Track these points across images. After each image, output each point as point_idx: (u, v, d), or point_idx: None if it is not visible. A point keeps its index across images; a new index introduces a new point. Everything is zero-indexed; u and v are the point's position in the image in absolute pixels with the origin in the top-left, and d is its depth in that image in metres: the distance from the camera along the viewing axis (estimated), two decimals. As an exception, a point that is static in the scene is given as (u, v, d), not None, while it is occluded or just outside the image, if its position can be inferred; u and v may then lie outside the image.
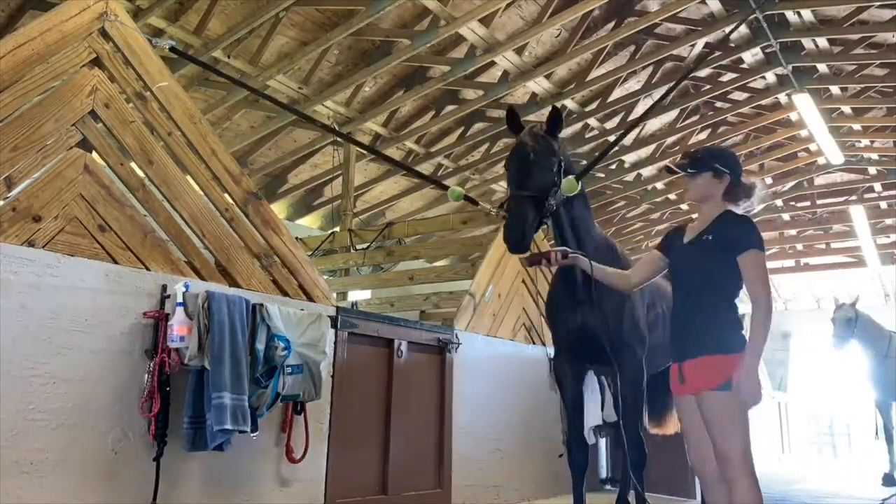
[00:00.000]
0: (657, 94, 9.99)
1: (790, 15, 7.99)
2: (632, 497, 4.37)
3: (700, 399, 2.74)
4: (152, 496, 3.19)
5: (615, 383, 4.23)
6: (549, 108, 9.27)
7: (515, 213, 3.12)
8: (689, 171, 2.95)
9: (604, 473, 6.72)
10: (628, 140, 11.04)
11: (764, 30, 8.17)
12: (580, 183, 3.49)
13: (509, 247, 3.16)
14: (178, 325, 3.22)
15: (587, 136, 10.61)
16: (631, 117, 10.32)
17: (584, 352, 3.84)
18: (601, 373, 4.61)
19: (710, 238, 2.86)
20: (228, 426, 3.22)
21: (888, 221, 13.93)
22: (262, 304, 3.61)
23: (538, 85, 8.72)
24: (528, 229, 3.13)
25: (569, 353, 3.89)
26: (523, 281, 6.18)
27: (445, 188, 3.95)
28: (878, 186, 12.71)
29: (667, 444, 5.56)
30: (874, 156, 11.90)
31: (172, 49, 3.79)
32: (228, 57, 7.45)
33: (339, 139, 9.18)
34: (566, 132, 10.40)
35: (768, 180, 12.93)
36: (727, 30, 8.06)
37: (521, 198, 3.15)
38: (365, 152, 9.80)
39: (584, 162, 11.00)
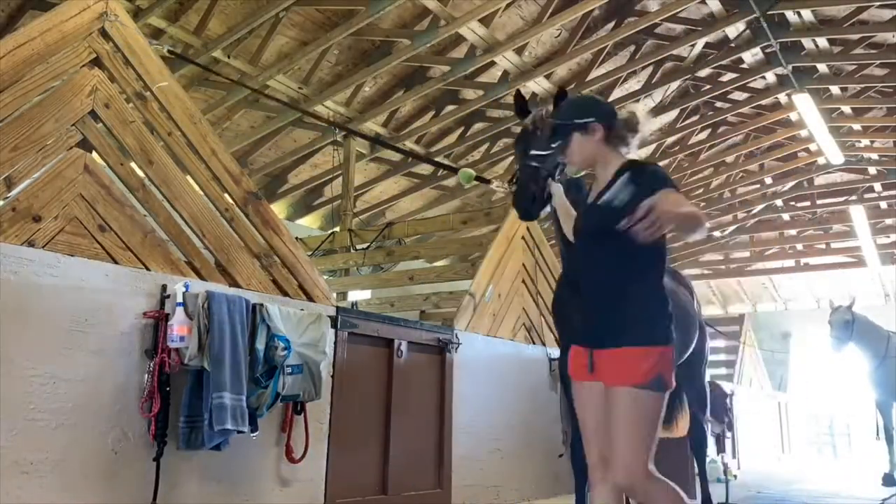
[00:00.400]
0: (657, 93, 10.01)
1: (790, 15, 7.99)
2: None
3: (613, 393, 2.34)
4: (152, 496, 3.19)
5: None
6: (549, 107, 9.21)
7: (523, 177, 3.05)
8: (552, 148, 2.66)
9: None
10: (628, 140, 11.03)
11: (764, 30, 8.17)
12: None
13: (519, 211, 3.07)
14: (178, 325, 3.22)
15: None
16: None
17: None
18: None
19: (610, 201, 2.42)
20: (229, 426, 3.22)
21: (888, 221, 13.93)
22: (262, 304, 3.61)
23: (538, 85, 8.71)
24: (537, 192, 3.00)
25: None
26: (523, 281, 6.18)
27: (455, 170, 3.89)
28: (878, 186, 12.71)
29: (667, 444, 5.56)
30: (874, 156, 11.91)
31: (170, 51, 3.77)
32: (228, 57, 7.45)
33: (339, 139, 9.17)
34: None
35: (768, 180, 12.94)
36: (726, 30, 8.06)
37: (528, 165, 3.07)
38: (365, 153, 9.81)
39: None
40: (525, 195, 3.03)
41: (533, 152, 3.00)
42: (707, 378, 9.39)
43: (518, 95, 3.57)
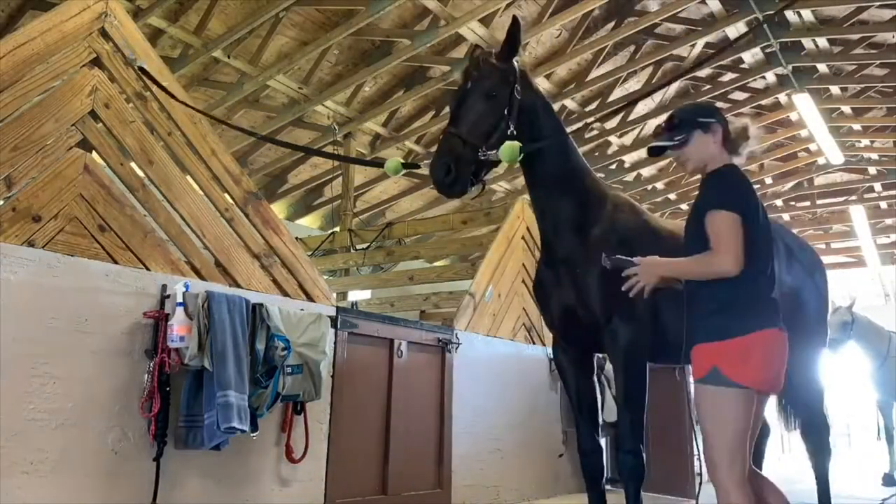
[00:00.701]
0: (657, 93, 10.01)
1: (790, 15, 7.99)
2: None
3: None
4: (152, 496, 3.19)
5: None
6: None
7: (441, 148, 2.66)
8: (675, 140, 2.56)
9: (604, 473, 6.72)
10: (628, 140, 11.04)
11: (764, 30, 8.17)
12: (521, 151, 2.76)
13: (436, 184, 2.67)
14: (178, 325, 3.22)
15: (587, 136, 10.61)
16: (631, 117, 10.32)
17: (576, 337, 3.20)
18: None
19: (696, 205, 2.52)
20: (235, 424, 3.22)
21: (888, 221, 13.93)
22: (262, 304, 3.61)
23: (538, 85, 8.72)
24: (459, 167, 2.62)
25: (562, 340, 3.29)
26: (523, 281, 6.18)
27: (381, 164, 3.21)
28: (878, 186, 12.71)
29: (667, 444, 5.56)
30: (874, 156, 11.90)
31: (141, 69, 3.65)
32: (228, 57, 7.45)
33: (339, 139, 9.18)
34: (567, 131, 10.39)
35: (768, 180, 12.94)
36: (726, 30, 8.06)
37: (450, 134, 2.68)
38: (365, 153, 9.81)
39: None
40: (441, 163, 2.64)
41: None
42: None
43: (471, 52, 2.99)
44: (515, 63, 2.93)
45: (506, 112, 2.78)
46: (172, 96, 3.70)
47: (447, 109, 9.48)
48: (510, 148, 2.69)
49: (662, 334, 3.05)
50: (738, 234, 2.33)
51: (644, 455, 3.11)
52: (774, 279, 2.48)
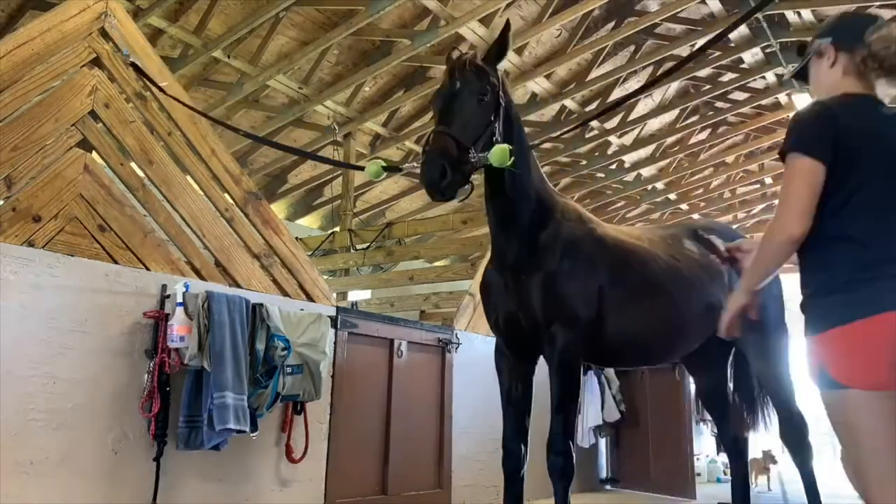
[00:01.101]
0: (657, 93, 10.01)
1: (790, 15, 7.99)
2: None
3: None
4: (152, 496, 3.19)
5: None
6: (549, 107, 9.16)
7: (434, 148, 2.55)
8: (795, 69, 2.14)
9: (604, 473, 6.72)
10: (628, 140, 11.04)
11: (764, 30, 8.17)
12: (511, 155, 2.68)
13: (429, 185, 2.54)
14: (178, 325, 3.22)
15: (587, 136, 10.61)
16: (631, 117, 10.32)
17: (516, 340, 3.21)
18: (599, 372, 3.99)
19: None
20: (231, 425, 3.22)
21: (888, 221, 13.91)
22: (261, 304, 3.61)
23: (538, 85, 8.72)
24: (453, 169, 2.52)
25: (502, 342, 3.30)
26: (523, 281, 6.17)
27: (361, 169, 3.18)
28: (878, 186, 12.69)
29: (667, 444, 5.57)
30: (874, 156, 11.89)
31: (133, 65, 3.63)
32: (228, 57, 7.45)
33: (339, 139, 9.17)
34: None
35: (768, 180, 12.94)
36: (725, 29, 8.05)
37: (442, 134, 2.59)
38: (365, 153, 9.81)
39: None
40: (434, 165, 2.52)
41: (455, 120, 2.54)
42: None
43: (448, 57, 2.90)
44: (499, 68, 2.90)
45: (492, 117, 2.74)
46: (162, 90, 3.67)
47: (447, 109, 9.51)
48: (501, 151, 2.63)
49: (609, 338, 3.11)
50: (807, 184, 1.79)
51: (574, 456, 3.15)
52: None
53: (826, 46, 1.99)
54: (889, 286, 1.73)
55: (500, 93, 2.80)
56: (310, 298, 4.22)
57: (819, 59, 2.02)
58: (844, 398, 1.74)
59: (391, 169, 3.17)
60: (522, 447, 3.31)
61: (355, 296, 8.43)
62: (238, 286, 3.82)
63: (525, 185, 2.98)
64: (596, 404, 6.21)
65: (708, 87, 9.96)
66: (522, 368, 3.32)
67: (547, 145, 10.65)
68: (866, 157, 1.83)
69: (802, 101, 9.07)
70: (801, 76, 2.11)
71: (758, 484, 6.95)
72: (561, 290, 2.96)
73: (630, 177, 12.10)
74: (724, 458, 8.44)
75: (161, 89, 3.67)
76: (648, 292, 3.26)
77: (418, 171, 2.64)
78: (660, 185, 12.48)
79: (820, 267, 1.86)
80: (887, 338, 1.69)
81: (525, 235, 3.00)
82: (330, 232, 8.74)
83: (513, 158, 2.65)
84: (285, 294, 4.10)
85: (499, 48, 2.86)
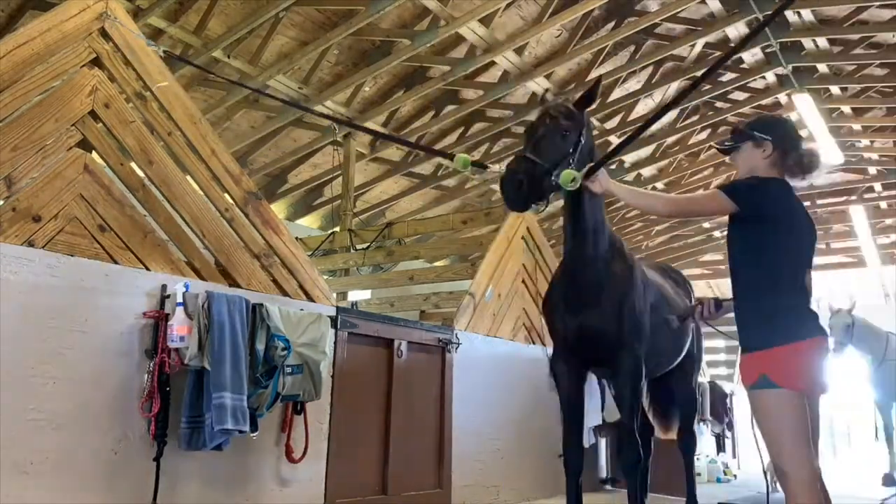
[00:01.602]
0: (657, 93, 10.01)
1: (790, 15, 8.00)
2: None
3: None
4: (152, 496, 3.19)
5: (614, 383, 3.97)
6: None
7: (518, 167, 3.03)
8: (726, 144, 2.80)
9: (604, 474, 6.72)
10: (628, 140, 11.04)
11: (764, 30, 8.17)
12: (579, 178, 3.13)
13: (507, 196, 3.05)
14: (178, 325, 3.23)
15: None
16: (631, 117, 10.32)
17: (584, 352, 3.72)
18: (600, 374, 4.44)
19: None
20: (229, 426, 3.22)
21: (888, 221, 13.93)
22: (261, 304, 3.61)
23: (538, 85, 8.72)
24: (530, 184, 3.00)
25: (567, 353, 3.75)
26: (523, 281, 6.18)
27: (451, 157, 3.62)
28: (878, 186, 12.71)
29: (667, 444, 5.56)
30: (874, 156, 11.90)
31: (166, 52, 3.76)
32: (228, 57, 7.45)
33: (339, 139, 9.17)
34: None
35: (768, 180, 12.93)
36: (726, 30, 8.05)
37: (528, 159, 3.05)
38: (365, 153, 9.81)
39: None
40: (514, 180, 2.99)
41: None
42: (707, 378, 9.42)
43: (542, 102, 3.58)
44: (585, 113, 3.40)
45: (571, 150, 3.20)
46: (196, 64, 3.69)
47: (447, 109, 9.51)
48: (567, 174, 3.02)
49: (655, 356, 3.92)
50: (708, 203, 2.70)
51: (641, 451, 3.76)
52: (809, 291, 2.59)
53: (766, 143, 2.67)
54: (809, 320, 2.51)
55: (582, 131, 3.29)
56: (310, 298, 4.22)
57: (756, 147, 2.69)
58: (779, 395, 2.43)
59: (478, 165, 3.69)
60: (583, 446, 3.88)
61: (355, 296, 8.43)
62: (238, 286, 3.82)
63: (601, 211, 3.64)
64: (596, 404, 6.20)
65: (708, 87, 9.95)
66: (582, 375, 3.84)
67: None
68: (788, 225, 2.56)
69: (802, 101, 9.07)
70: (729, 150, 2.80)
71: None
72: (637, 316, 3.65)
73: (630, 177, 12.10)
74: (724, 458, 8.45)
75: (195, 64, 3.68)
76: (667, 321, 3.86)
77: (499, 173, 3.18)
78: (660, 185, 12.49)
79: (761, 305, 2.53)
80: (809, 355, 2.47)
81: (606, 262, 3.58)
82: (330, 232, 8.74)
83: (575, 183, 2.98)
84: (285, 294, 4.10)
85: (588, 96, 3.34)
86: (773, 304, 2.50)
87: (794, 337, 2.46)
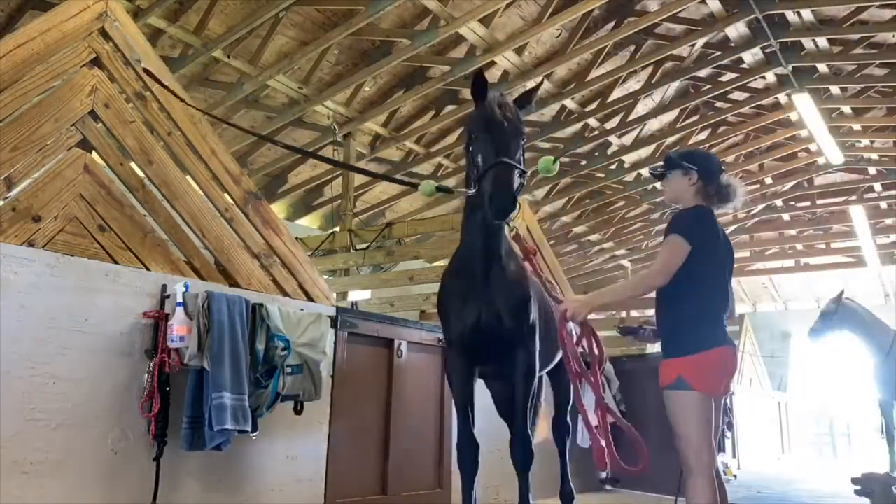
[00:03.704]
0: (657, 93, 10.02)
1: (790, 15, 8.00)
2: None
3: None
4: (152, 496, 3.18)
5: (508, 384, 3.69)
6: (549, 107, 9.23)
7: (506, 178, 2.93)
8: (658, 171, 3.13)
9: (604, 474, 6.72)
10: (628, 140, 11.04)
11: (764, 30, 8.17)
12: (556, 163, 3.20)
13: (501, 213, 2.93)
14: (178, 325, 3.22)
15: (587, 135, 10.62)
16: (631, 117, 10.33)
17: (479, 350, 3.52)
18: (487, 374, 4.16)
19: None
20: (229, 426, 3.22)
21: (888, 221, 13.93)
22: (261, 304, 3.61)
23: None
24: (516, 195, 2.93)
25: (462, 350, 3.53)
26: (523, 281, 6.17)
27: (415, 186, 3.54)
28: (878, 186, 12.72)
29: (667, 444, 5.55)
30: (874, 156, 11.91)
31: (145, 70, 3.63)
32: (228, 57, 7.45)
33: (339, 139, 9.17)
34: (567, 131, 10.41)
35: (768, 180, 12.95)
36: (726, 30, 8.05)
37: (510, 165, 2.96)
38: (365, 153, 9.81)
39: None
40: (509, 191, 2.90)
41: (515, 152, 3.03)
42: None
43: (479, 77, 3.27)
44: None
45: (521, 151, 3.17)
46: (182, 100, 3.69)
47: (447, 109, 9.52)
48: (546, 160, 3.08)
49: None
50: (676, 254, 2.83)
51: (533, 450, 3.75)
52: (727, 304, 2.96)
53: (693, 173, 3.02)
54: (720, 332, 2.88)
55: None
56: (310, 298, 4.22)
57: (684, 176, 3.03)
58: (692, 396, 2.76)
59: (444, 190, 3.61)
60: (477, 443, 3.67)
61: (355, 296, 8.42)
62: (238, 286, 3.82)
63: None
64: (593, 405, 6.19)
65: (708, 87, 9.96)
66: (474, 373, 3.68)
67: (546, 145, 10.66)
68: (713, 249, 2.92)
69: (802, 101, 9.08)
70: (660, 175, 3.13)
71: None
72: (533, 315, 3.56)
73: (630, 177, 12.11)
74: (724, 458, 8.44)
75: (179, 97, 3.67)
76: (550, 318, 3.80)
77: (470, 193, 3.18)
78: (660, 185, 12.48)
79: (684, 315, 2.87)
80: (718, 362, 2.85)
81: (501, 257, 3.43)
82: (330, 232, 8.74)
83: (556, 166, 3.09)
84: (285, 294, 4.10)
85: (528, 101, 3.33)
86: (692, 317, 2.86)
87: (705, 346, 2.81)
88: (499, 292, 3.39)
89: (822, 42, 8.54)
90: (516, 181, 2.99)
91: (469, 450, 3.56)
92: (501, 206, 2.92)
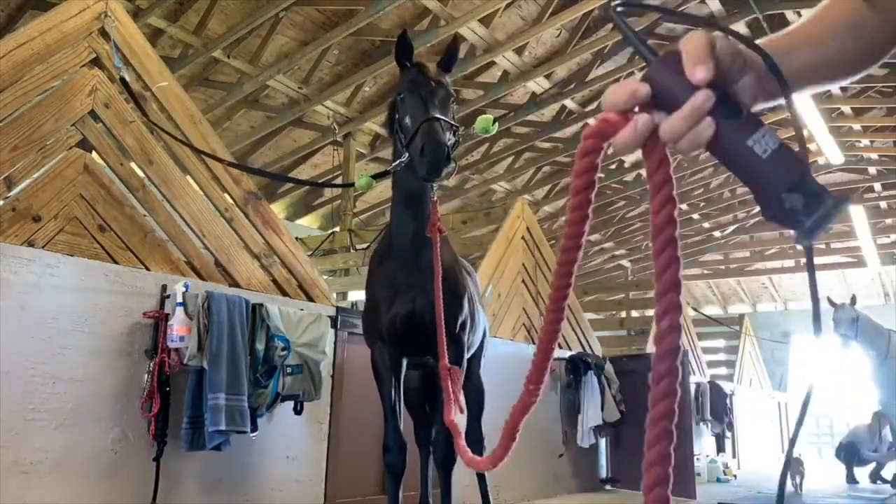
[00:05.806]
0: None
1: (790, 15, 8.00)
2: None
3: None
4: (152, 496, 3.19)
5: (435, 377, 3.37)
6: (549, 107, 9.23)
7: (438, 131, 2.71)
8: None
9: (604, 473, 6.72)
10: (628, 140, 11.04)
11: (764, 30, 8.17)
12: (495, 124, 3.01)
13: (434, 165, 2.66)
14: (178, 325, 3.22)
15: (587, 135, 10.59)
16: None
17: (408, 342, 3.23)
18: (416, 366, 3.71)
19: None
20: (223, 427, 3.22)
21: (888, 221, 13.94)
22: (261, 304, 3.61)
23: (538, 85, 8.72)
24: (450, 151, 2.71)
25: (391, 342, 3.23)
26: (523, 281, 6.18)
27: (352, 185, 3.36)
28: (878, 186, 12.72)
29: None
30: (874, 156, 11.91)
31: (122, 80, 3.53)
32: (228, 57, 7.45)
33: (339, 139, 9.17)
34: (567, 131, 10.40)
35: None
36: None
37: (441, 119, 2.76)
38: (365, 153, 9.81)
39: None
40: (443, 146, 2.66)
41: (447, 111, 2.82)
42: (707, 378, 9.42)
43: (403, 36, 3.04)
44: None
45: (452, 114, 2.99)
46: (147, 118, 3.61)
47: (447, 109, 9.51)
48: (485, 119, 2.88)
49: None
50: None
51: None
52: None
53: None
54: None
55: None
56: (310, 298, 4.23)
57: None
58: None
59: (380, 175, 3.29)
60: (405, 444, 3.51)
61: (355, 296, 8.43)
62: (238, 286, 3.82)
63: (431, 192, 3.06)
64: (596, 404, 6.21)
65: (708, 87, 9.95)
66: (402, 367, 3.42)
67: (546, 145, 10.66)
68: None
69: (802, 101, 9.06)
70: None
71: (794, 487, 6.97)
72: (468, 305, 3.33)
73: (630, 177, 12.10)
74: (724, 458, 8.45)
75: (146, 116, 3.64)
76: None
77: (403, 162, 2.85)
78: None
79: None
80: None
81: (429, 244, 3.05)
82: (330, 232, 8.74)
83: (495, 127, 2.89)
84: (285, 294, 4.10)
85: (450, 60, 3.09)
86: None
87: None
88: (432, 277, 2.96)
89: (822, 42, 8.53)
90: (450, 138, 2.76)
91: (398, 450, 3.33)
92: (434, 160, 2.65)
